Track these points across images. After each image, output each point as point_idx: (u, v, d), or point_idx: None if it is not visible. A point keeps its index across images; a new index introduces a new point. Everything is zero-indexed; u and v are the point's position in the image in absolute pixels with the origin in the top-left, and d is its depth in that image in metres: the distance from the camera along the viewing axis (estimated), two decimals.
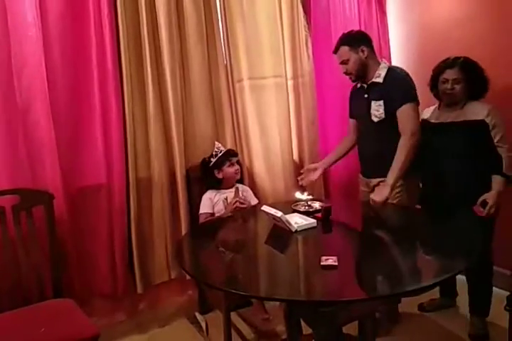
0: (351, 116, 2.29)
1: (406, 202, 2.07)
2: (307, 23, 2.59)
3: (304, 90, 2.59)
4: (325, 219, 1.83)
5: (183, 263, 1.63)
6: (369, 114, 2.06)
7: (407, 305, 2.23)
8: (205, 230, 2.00)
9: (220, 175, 2.22)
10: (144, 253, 2.21)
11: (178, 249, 1.77)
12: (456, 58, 1.95)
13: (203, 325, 2.22)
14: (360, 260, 1.55)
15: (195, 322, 2.27)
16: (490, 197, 1.85)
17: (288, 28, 2.50)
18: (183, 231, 2.24)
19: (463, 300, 2.17)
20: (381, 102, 2.01)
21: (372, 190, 2.14)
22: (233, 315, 2.11)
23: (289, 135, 2.57)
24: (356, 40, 2.03)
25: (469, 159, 1.92)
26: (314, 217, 1.82)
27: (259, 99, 2.47)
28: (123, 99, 2.08)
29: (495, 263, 2.00)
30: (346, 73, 2.07)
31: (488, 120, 1.87)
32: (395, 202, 2.03)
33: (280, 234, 1.71)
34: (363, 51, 2.01)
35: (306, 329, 1.82)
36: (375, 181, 2.13)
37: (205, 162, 2.26)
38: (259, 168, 2.51)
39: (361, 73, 2.05)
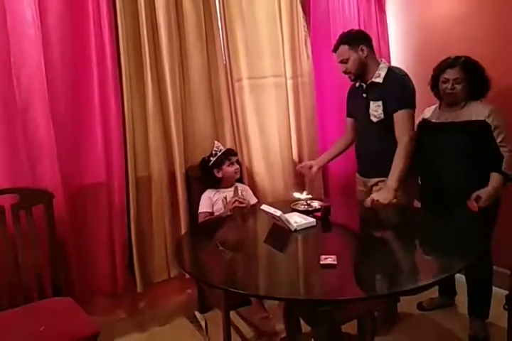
0: (348, 115, 2.29)
1: (405, 202, 2.07)
2: (306, 23, 2.59)
3: (304, 90, 2.59)
4: (324, 218, 1.83)
5: (183, 262, 1.63)
6: (367, 114, 2.06)
7: (407, 303, 2.24)
8: (205, 229, 2.01)
9: (219, 175, 2.22)
10: (143, 252, 2.21)
11: (177, 248, 1.77)
12: (457, 58, 1.94)
13: (203, 323, 2.22)
14: (359, 259, 1.55)
15: (194, 321, 2.27)
16: (483, 192, 1.84)
17: (287, 28, 2.50)
18: (183, 230, 2.24)
19: (462, 299, 2.18)
20: (380, 103, 2.01)
21: (370, 189, 2.14)
22: (232, 314, 2.11)
23: (289, 134, 2.57)
24: (356, 39, 2.03)
25: (469, 159, 1.91)
26: (313, 216, 1.82)
27: (258, 99, 2.47)
28: (122, 98, 2.08)
29: (494, 263, 2.00)
30: (345, 72, 2.07)
31: (489, 120, 1.86)
32: (394, 201, 2.03)
33: (279, 233, 1.72)
34: (362, 50, 2.01)
35: (306, 328, 1.83)
36: (373, 181, 2.13)
37: (205, 161, 2.26)
38: (259, 167, 2.51)
39: (360, 72, 2.05)
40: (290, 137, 2.58)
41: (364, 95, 2.10)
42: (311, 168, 2.27)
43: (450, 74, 1.92)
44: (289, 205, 1.98)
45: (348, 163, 2.48)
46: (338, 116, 2.56)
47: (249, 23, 2.39)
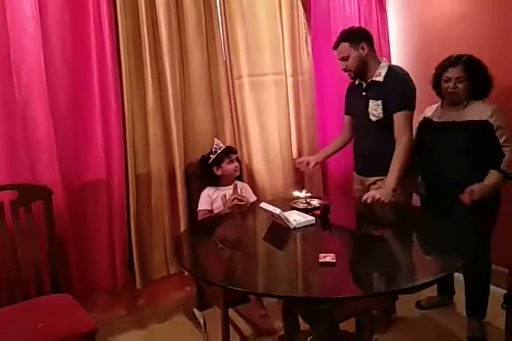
0: (347, 112, 2.28)
1: (403, 200, 2.07)
2: (307, 21, 2.59)
3: (304, 87, 2.59)
4: (323, 216, 1.83)
5: (182, 260, 1.63)
6: (366, 113, 2.06)
7: (405, 302, 2.24)
8: (204, 227, 2.01)
9: (219, 172, 2.22)
10: (143, 249, 2.21)
11: (176, 246, 1.77)
12: (460, 56, 1.92)
13: (201, 321, 2.23)
14: (358, 257, 1.55)
15: (193, 318, 2.28)
16: (477, 186, 1.84)
17: (288, 26, 2.49)
18: (182, 228, 2.25)
19: (460, 298, 2.18)
20: (379, 102, 2.01)
21: (368, 188, 2.13)
22: (231, 312, 2.12)
23: (289, 132, 2.57)
24: (357, 36, 2.02)
25: (471, 158, 1.90)
26: (313, 214, 1.82)
27: (258, 96, 2.47)
28: (122, 95, 2.07)
29: (493, 262, 2.00)
30: (345, 70, 2.06)
31: (492, 120, 1.85)
32: (392, 200, 2.02)
33: (278, 231, 1.72)
34: (363, 48, 2.00)
35: (304, 326, 1.83)
36: (371, 179, 2.13)
37: (204, 159, 2.26)
38: (258, 164, 2.51)
39: (361, 70, 2.04)
40: (290, 135, 2.58)
41: (364, 93, 2.09)
42: (308, 163, 2.27)
43: (452, 72, 1.90)
44: (289, 203, 1.98)
45: (348, 161, 2.48)
46: (338, 114, 2.55)
47: (249, 20, 2.38)
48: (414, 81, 2.03)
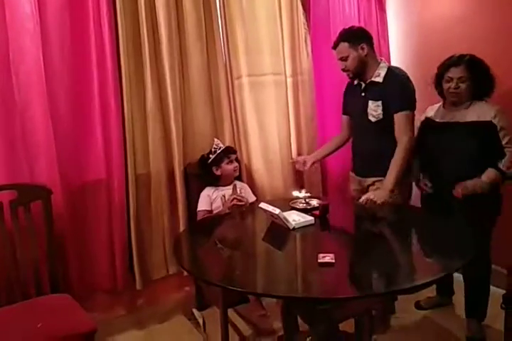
0: (345, 112, 2.28)
1: (400, 201, 2.07)
2: (306, 21, 2.59)
3: (303, 87, 2.59)
4: (322, 216, 1.83)
5: (181, 260, 1.63)
6: (365, 113, 2.05)
7: (404, 302, 2.24)
8: (203, 227, 2.01)
9: (218, 172, 2.22)
10: (143, 250, 2.21)
11: (175, 246, 1.77)
12: (462, 56, 1.90)
13: (200, 321, 2.23)
14: (357, 257, 1.56)
15: (192, 318, 2.27)
16: (470, 181, 1.84)
17: (287, 26, 2.49)
18: (181, 228, 2.24)
19: (460, 298, 2.18)
20: (379, 103, 2.00)
21: (366, 189, 2.13)
22: (230, 312, 2.11)
23: (288, 132, 2.57)
24: (357, 37, 2.01)
25: (473, 159, 1.88)
26: (312, 215, 1.83)
27: (258, 96, 2.47)
28: (122, 96, 2.07)
29: (492, 262, 2.00)
30: (344, 70, 2.06)
31: (495, 121, 1.84)
32: (389, 201, 2.02)
33: (278, 231, 1.72)
34: (362, 49, 2.00)
35: (303, 326, 1.83)
36: (369, 180, 2.12)
37: (204, 159, 2.26)
38: (258, 165, 2.51)
39: (359, 71, 2.04)
40: (289, 135, 2.58)
41: (363, 94, 2.09)
42: (304, 162, 2.27)
43: (454, 72, 1.89)
44: (288, 203, 1.98)
45: (347, 161, 2.48)
46: (338, 115, 2.54)
47: (249, 20, 2.38)
48: (414, 82, 2.03)
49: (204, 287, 2.09)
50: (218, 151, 2.21)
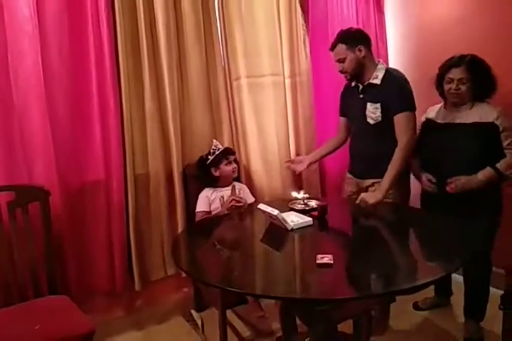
0: (342, 114, 2.28)
1: (399, 201, 2.07)
2: (305, 22, 2.59)
3: (302, 89, 2.59)
4: (321, 217, 1.83)
5: (179, 261, 1.63)
6: (364, 115, 2.05)
7: (402, 303, 2.24)
8: (202, 228, 2.01)
9: (217, 173, 2.22)
10: (142, 251, 2.21)
11: (174, 247, 1.77)
12: (463, 56, 1.89)
13: (199, 322, 2.22)
14: (356, 258, 1.56)
15: (190, 319, 2.27)
16: (465, 177, 1.84)
17: (286, 27, 2.49)
18: (180, 229, 2.24)
19: (457, 299, 2.19)
20: (378, 105, 2.00)
21: (365, 190, 2.12)
22: (229, 313, 2.11)
23: (287, 133, 2.57)
24: (355, 39, 2.01)
25: (475, 160, 1.87)
26: (310, 216, 1.82)
27: (256, 98, 2.47)
28: (121, 96, 2.07)
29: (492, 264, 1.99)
30: (342, 72, 2.06)
31: (498, 123, 1.83)
32: (384, 200, 2.01)
33: (276, 232, 1.72)
34: (360, 50, 1.99)
35: (302, 327, 1.83)
36: (368, 182, 2.12)
37: (203, 160, 2.26)
38: (256, 165, 2.51)
39: (357, 72, 2.03)
40: (288, 136, 2.58)
41: (361, 96, 2.09)
42: (300, 162, 2.28)
43: (455, 73, 1.88)
44: (286, 204, 1.98)
45: (346, 162, 2.48)
46: (336, 116, 2.55)
47: (247, 21, 2.38)
48: (413, 84, 2.03)
49: (202, 288, 2.09)
50: (217, 152, 2.21)
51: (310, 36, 2.60)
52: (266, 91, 2.49)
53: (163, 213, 2.24)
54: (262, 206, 1.77)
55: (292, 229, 1.70)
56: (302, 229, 1.73)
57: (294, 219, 1.77)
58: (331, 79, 2.56)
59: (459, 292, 2.14)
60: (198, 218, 2.19)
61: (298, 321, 1.81)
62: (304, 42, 2.58)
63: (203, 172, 2.24)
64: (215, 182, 2.24)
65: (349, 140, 2.28)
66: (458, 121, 1.94)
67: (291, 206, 1.97)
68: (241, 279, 1.42)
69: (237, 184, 2.28)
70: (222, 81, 2.34)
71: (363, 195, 1.97)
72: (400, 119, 1.97)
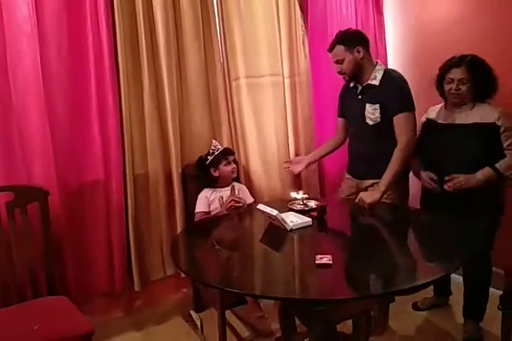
0: (340, 115, 2.28)
1: (397, 201, 2.07)
2: (304, 22, 2.59)
3: (301, 89, 2.59)
4: (320, 217, 1.83)
5: (178, 261, 1.63)
6: (363, 116, 2.05)
7: (401, 303, 2.24)
8: (201, 228, 2.00)
9: (216, 174, 2.22)
10: (142, 251, 2.21)
11: (173, 247, 1.77)
12: (463, 56, 1.88)
13: (198, 323, 2.22)
14: (355, 258, 1.56)
15: (190, 320, 2.27)
16: (464, 176, 1.83)
17: (285, 27, 2.49)
18: (179, 229, 2.24)
19: (456, 299, 2.19)
20: (377, 106, 2.00)
21: (365, 190, 2.11)
22: (228, 313, 2.11)
23: (286, 133, 2.57)
24: (353, 40, 2.00)
25: (476, 160, 1.87)
26: (310, 216, 1.82)
27: (255, 98, 2.47)
28: (120, 97, 2.07)
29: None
30: (340, 73, 2.05)
31: (499, 123, 1.83)
32: (381, 200, 2.01)
33: (275, 233, 1.72)
34: (358, 52, 1.99)
35: (301, 328, 1.83)
36: (367, 182, 2.11)
37: (202, 160, 2.25)
38: (256, 166, 2.51)
39: (356, 73, 2.03)
40: (287, 136, 2.58)
41: (359, 97, 2.08)
42: (299, 163, 2.28)
43: (455, 74, 1.87)
44: (286, 205, 1.98)
45: (345, 162, 2.48)
46: (335, 116, 2.55)
47: (246, 21, 2.39)
48: (412, 84, 2.03)
49: (202, 289, 2.09)
50: (216, 153, 2.21)
51: (309, 36, 2.60)
52: (265, 91, 2.49)
53: (162, 213, 2.24)
54: (261, 206, 1.77)
55: (291, 230, 1.70)
56: (301, 229, 1.73)
57: (293, 220, 1.77)
58: (330, 79, 2.56)
59: (458, 292, 2.14)
60: (197, 218, 2.19)
61: (297, 321, 1.81)
62: (303, 43, 2.58)
63: (202, 173, 2.24)
64: (215, 183, 2.24)
65: (348, 140, 2.28)
66: (459, 121, 1.93)
67: (290, 206, 1.97)
68: (240, 279, 1.42)
69: (236, 184, 2.28)
70: (221, 81, 2.34)
71: (361, 194, 1.98)
72: (399, 120, 1.97)
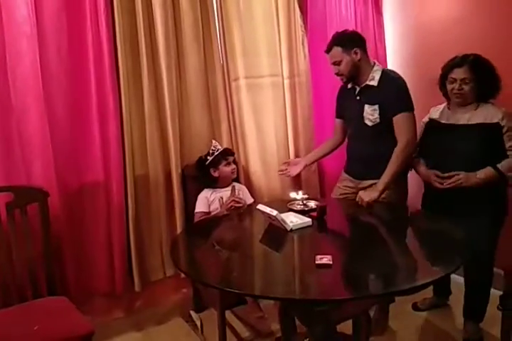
0: (338, 116, 2.27)
1: (396, 201, 2.07)
2: (303, 23, 2.59)
3: (300, 89, 2.59)
4: (320, 218, 1.84)
5: (178, 262, 1.63)
6: (362, 117, 2.04)
7: (401, 303, 2.25)
8: (201, 228, 2.00)
9: (216, 174, 2.22)
10: (143, 251, 2.21)
11: (172, 248, 1.77)
12: (465, 56, 1.86)
13: (198, 323, 2.22)
14: (355, 259, 1.56)
15: (190, 320, 2.27)
16: (464, 174, 1.83)
17: (284, 28, 2.49)
18: (179, 230, 2.24)
19: (456, 299, 2.19)
20: (376, 107, 2.00)
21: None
22: (228, 314, 2.11)
23: (285, 134, 2.57)
24: (350, 41, 2.00)
25: (480, 160, 1.85)
26: (309, 216, 1.83)
27: (255, 98, 2.47)
28: (120, 97, 2.07)
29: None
30: (338, 74, 2.05)
31: (503, 123, 1.82)
32: (379, 199, 2.01)
33: (275, 233, 1.72)
34: (356, 53, 1.98)
35: (301, 328, 1.83)
36: (366, 183, 2.11)
37: (202, 160, 2.25)
38: (255, 166, 2.51)
39: (353, 74, 2.03)
40: (287, 137, 2.58)
41: (358, 98, 2.08)
42: (296, 165, 2.28)
43: (457, 73, 1.86)
44: (285, 205, 1.98)
45: (344, 163, 2.49)
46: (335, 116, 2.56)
47: (246, 22, 2.39)
48: (411, 84, 2.03)
49: (201, 289, 2.09)
50: (216, 153, 2.21)
51: (308, 37, 2.61)
52: (265, 92, 2.49)
53: (162, 214, 2.24)
54: (261, 206, 1.77)
55: (291, 230, 1.70)
56: (301, 229, 1.73)
57: (293, 220, 1.77)
58: (330, 79, 2.55)
59: (458, 292, 2.14)
60: (196, 218, 2.19)
61: (297, 322, 1.81)
62: (303, 43, 2.58)
63: (202, 173, 2.24)
64: (214, 183, 2.24)
65: (346, 141, 2.28)
66: (462, 121, 1.92)
67: (290, 207, 1.97)
68: (240, 280, 1.42)
69: (236, 185, 2.28)
70: (220, 81, 2.34)
71: (360, 193, 1.99)
72: (399, 120, 1.97)
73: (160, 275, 2.29)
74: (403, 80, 2.02)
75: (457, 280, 2.15)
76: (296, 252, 1.70)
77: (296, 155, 2.64)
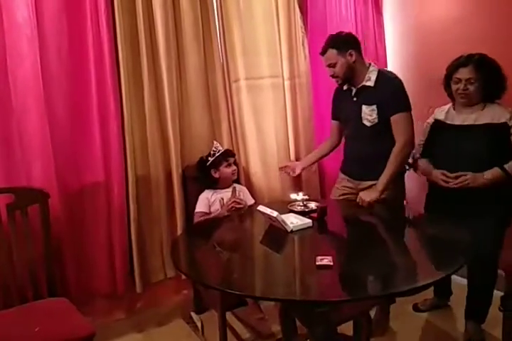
0: (334, 117, 2.27)
1: (395, 201, 2.07)
2: (303, 24, 2.59)
3: (301, 90, 2.59)
4: (320, 219, 1.83)
5: (178, 263, 1.63)
6: (359, 118, 2.04)
7: (402, 304, 2.24)
8: (201, 229, 2.00)
9: (216, 175, 2.22)
10: (145, 252, 2.21)
11: (173, 249, 1.77)
12: (470, 55, 1.84)
13: (199, 324, 2.22)
14: (355, 260, 1.55)
15: (190, 321, 2.27)
16: (471, 174, 1.81)
17: (285, 29, 2.49)
18: (179, 231, 2.24)
19: (457, 299, 2.18)
20: (374, 107, 1.99)
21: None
22: (228, 315, 2.11)
23: (286, 135, 2.57)
24: (345, 43, 2.00)
25: (487, 161, 1.84)
26: (310, 217, 1.83)
27: (255, 99, 2.47)
28: (121, 97, 2.07)
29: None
30: (333, 76, 2.05)
31: (511, 123, 1.81)
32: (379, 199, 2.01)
33: (276, 234, 1.72)
34: (351, 55, 1.98)
35: (302, 330, 1.83)
36: (366, 184, 2.10)
37: (202, 161, 2.25)
38: (256, 167, 2.51)
39: (348, 76, 2.03)
40: (287, 138, 2.58)
41: (355, 99, 2.07)
42: (293, 169, 2.28)
43: (462, 73, 1.84)
44: (286, 206, 1.98)
45: None
46: None
47: (246, 23, 2.39)
48: (411, 84, 2.03)
49: (202, 290, 2.09)
50: (217, 154, 2.21)
51: (309, 37, 2.61)
52: (265, 92, 2.49)
53: (163, 215, 2.24)
54: (261, 208, 1.77)
55: (292, 231, 1.70)
56: (302, 230, 1.73)
57: (293, 221, 1.77)
58: (330, 80, 2.56)
59: (459, 293, 2.13)
60: (196, 218, 2.19)
61: (298, 323, 1.81)
62: (303, 44, 2.58)
63: (203, 174, 2.24)
64: (215, 184, 2.24)
65: (343, 142, 2.27)
66: (469, 122, 1.90)
67: (290, 208, 1.97)
68: (241, 281, 1.42)
69: (237, 186, 2.28)
70: (221, 82, 2.34)
71: (360, 193, 1.99)
72: (396, 120, 1.97)
73: (161, 277, 2.29)
74: (400, 80, 2.02)
75: (458, 280, 2.15)
76: (296, 253, 1.70)
77: (297, 157, 2.64)
